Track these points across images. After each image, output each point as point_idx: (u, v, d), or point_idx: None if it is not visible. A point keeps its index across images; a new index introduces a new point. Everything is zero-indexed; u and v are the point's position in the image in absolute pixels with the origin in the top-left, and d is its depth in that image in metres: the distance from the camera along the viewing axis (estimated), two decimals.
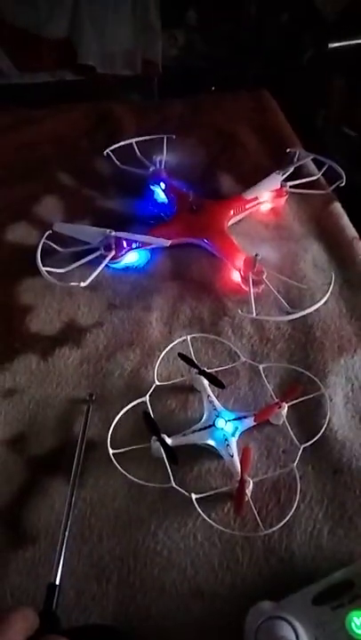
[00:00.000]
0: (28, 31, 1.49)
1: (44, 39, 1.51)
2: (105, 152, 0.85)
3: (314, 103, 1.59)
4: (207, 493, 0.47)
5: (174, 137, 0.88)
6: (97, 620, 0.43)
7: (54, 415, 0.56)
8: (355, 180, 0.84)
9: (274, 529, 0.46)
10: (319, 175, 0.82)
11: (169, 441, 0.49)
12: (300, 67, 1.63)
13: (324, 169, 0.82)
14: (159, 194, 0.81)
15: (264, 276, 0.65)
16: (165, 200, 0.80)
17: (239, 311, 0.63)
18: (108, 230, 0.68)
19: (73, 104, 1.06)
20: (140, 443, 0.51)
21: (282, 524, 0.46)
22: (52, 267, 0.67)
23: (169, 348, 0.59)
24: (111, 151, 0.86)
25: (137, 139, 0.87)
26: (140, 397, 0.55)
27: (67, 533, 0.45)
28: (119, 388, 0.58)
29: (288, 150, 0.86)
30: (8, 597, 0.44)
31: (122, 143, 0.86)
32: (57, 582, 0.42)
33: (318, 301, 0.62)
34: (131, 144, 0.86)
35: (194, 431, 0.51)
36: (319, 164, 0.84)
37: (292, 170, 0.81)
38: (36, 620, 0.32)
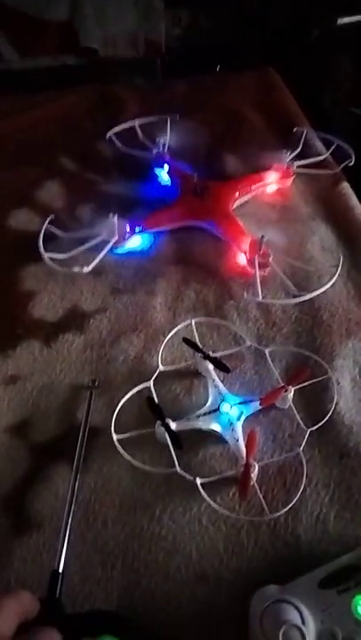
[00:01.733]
0: (29, 15, 1.46)
1: (46, 22, 1.48)
2: (107, 135, 0.84)
3: (321, 82, 1.55)
4: (212, 478, 0.47)
5: (178, 117, 0.86)
6: (102, 605, 0.42)
7: (58, 401, 0.55)
8: None
9: (280, 513, 0.45)
10: (327, 155, 0.80)
11: (173, 426, 0.49)
12: (308, 44, 1.59)
13: (333, 148, 0.80)
14: (163, 176, 0.79)
15: (270, 259, 0.63)
16: (169, 182, 0.78)
17: (245, 294, 0.62)
18: (110, 214, 0.67)
19: (75, 87, 1.04)
20: (144, 428, 0.50)
21: (288, 507, 0.45)
22: (55, 252, 0.66)
23: (173, 332, 0.59)
24: (114, 134, 0.84)
25: (139, 120, 0.85)
26: (144, 382, 0.54)
27: (70, 520, 0.45)
28: (123, 373, 0.57)
29: (295, 129, 0.83)
30: (12, 584, 0.44)
31: (124, 125, 0.85)
32: (60, 569, 0.42)
33: (326, 284, 0.61)
34: (133, 126, 0.85)
35: (198, 416, 0.51)
36: (327, 144, 0.82)
37: (299, 149, 0.79)
38: (33, 605, 0.32)
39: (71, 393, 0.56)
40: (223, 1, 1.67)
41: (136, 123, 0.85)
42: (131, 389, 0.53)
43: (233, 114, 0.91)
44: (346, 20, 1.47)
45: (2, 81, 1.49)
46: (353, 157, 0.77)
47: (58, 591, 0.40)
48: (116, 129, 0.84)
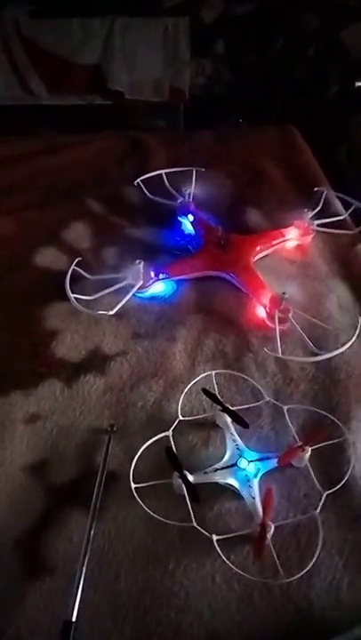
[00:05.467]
0: (62, 57, 1.54)
1: (77, 65, 1.56)
2: (135, 182, 0.87)
3: (337, 138, 1.62)
4: (228, 535, 0.47)
5: (203, 170, 0.89)
6: None
7: (76, 444, 0.56)
8: None
9: (293, 578, 0.45)
10: (346, 215, 0.83)
11: (191, 478, 0.49)
12: (325, 102, 1.66)
13: (351, 209, 0.83)
14: (187, 225, 0.82)
15: (290, 315, 0.65)
16: (193, 232, 0.81)
17: (265, 350, 0.63)
18: (137, 260, 0.69)
19: (104, 132, 1.08)
20: (159, 477, 0.51)
21: (303, 572, 0.45)
22: (80, 293, 0.68)
23: (193, 382, 0.60)
24: (141, 181, 0.88)
25: (166, 170, 0.89)
26: (162, 431, 0.55)
27: (84, 568, 0.45)
28: (141, 419, 0.58)
29: (316, 189, 0.87)
30: (22, 630, 0.43)
31: (152, 174, 0.88)
32: (73, 619, 0.42)
33: (344, 344, 0.63)
34: (160, 174, 0.88)
35: (216, 470, 0.51)
36: (346, 204, 0.85)
37: (319, 208, 0.82)
38: None
39: (90, 436, 0.57)
40: (245, 55, 1.76)
41: (163, 172, 0.88)
42: (149, 436, 0.54)
43: (255, 169, 0.95)
44: None
45: (31, 115, 1.55)
46: None
47: None
48: (145, 176, 0.88)
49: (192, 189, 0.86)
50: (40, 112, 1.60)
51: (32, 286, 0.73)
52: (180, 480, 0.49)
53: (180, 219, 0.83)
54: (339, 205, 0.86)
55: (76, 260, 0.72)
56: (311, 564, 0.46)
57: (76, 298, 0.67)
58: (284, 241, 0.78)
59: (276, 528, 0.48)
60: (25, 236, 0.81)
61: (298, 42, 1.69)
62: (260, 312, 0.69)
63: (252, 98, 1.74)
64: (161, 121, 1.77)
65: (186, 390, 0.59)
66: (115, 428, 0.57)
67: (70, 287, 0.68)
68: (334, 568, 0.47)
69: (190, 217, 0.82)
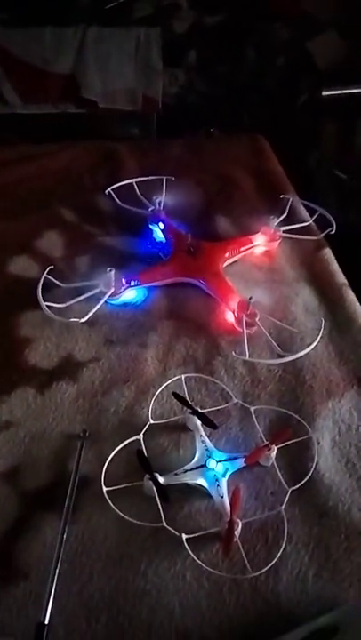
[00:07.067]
0: (34, 65, 1.55)
1: (50, 73, 1.57)
2: (107, 191, 0.88)
3: (306, 145, 1.67)
4: (197, 534, 0.49)
5: (174, 179, 0.91)
6: None
7: (49, 450, 0.57)
8: (345, 221, 0.87)
9: (261, 571, 0.47)
10: (311, 222, 0.86)
11: (161, 480, 0.51)
12: (295, 110, 1.71)
13: (316, 216, 0.86)
14: (158, 233, 0.84)
15: (257, 319, 0.67)
16: (164, 239, 0.83)
17: (233, 353, 0.65)
18: (108, 268, 0.71)
19: (76, 141, 1.09)
20: (132, 480, 0.52)
21: (269, 566, 0.47)
22: (52, 301, 0.69)
23: (163, 387, 0.61)
24: (112, 190, 0.89)
25: (138, 179, 0.90)
26: (134, 435, 0.56)
27: (57, 571, 0.46)
28: (114, 424, 0.59)
29: (282, 197, 0.90)
30: None
31: (123, 183, 0.90)
32: (46, 622, 0.43)
33: (309, 345, 0.65)
34: (132, 183, 0.90)
35: (186, 471, 0.53)
36: (311, 211, 0.88)
37: (285, 215, 0.85)
38: None
39: (62, 442, 0.58)
40: (217, 65, 1.80)
41: (134, 181, 0.90)
42: (121, 440, 0.55)
43: (225, 177, 0.97)
44: (330, 92, 1.60)
45: (4, 125, 1.55)
46: (334, 226, 0.83)
47: None
48: (116, 185, 0.89)
49: (163, 198, 0.88)
50: (14, 121, 1.60)
51: (4, 294, 0.74)
52: (150, 482, 0.50)
53: (151, 227, 0.85)
54: (304, 212, 0.89)
55: (49, 269, 0.73)
56: (278, 558, 0.48)
57: (48, 306, 0.68)
58: (251, 247, 0.81)
59: (243, 525, 0.50)
60: None
61: (268, 52, 1.74)
62: (229, 317, 0.71)
63: (224, 107, 1.77)
64: (134, 129, 1.79)
65: (157, 394, 0.60)
66: (87, 434, 0.58)
67: (43, 295, 0.69)
68: (300, 561, 0.49)
69: (161, 225, 0.83)
